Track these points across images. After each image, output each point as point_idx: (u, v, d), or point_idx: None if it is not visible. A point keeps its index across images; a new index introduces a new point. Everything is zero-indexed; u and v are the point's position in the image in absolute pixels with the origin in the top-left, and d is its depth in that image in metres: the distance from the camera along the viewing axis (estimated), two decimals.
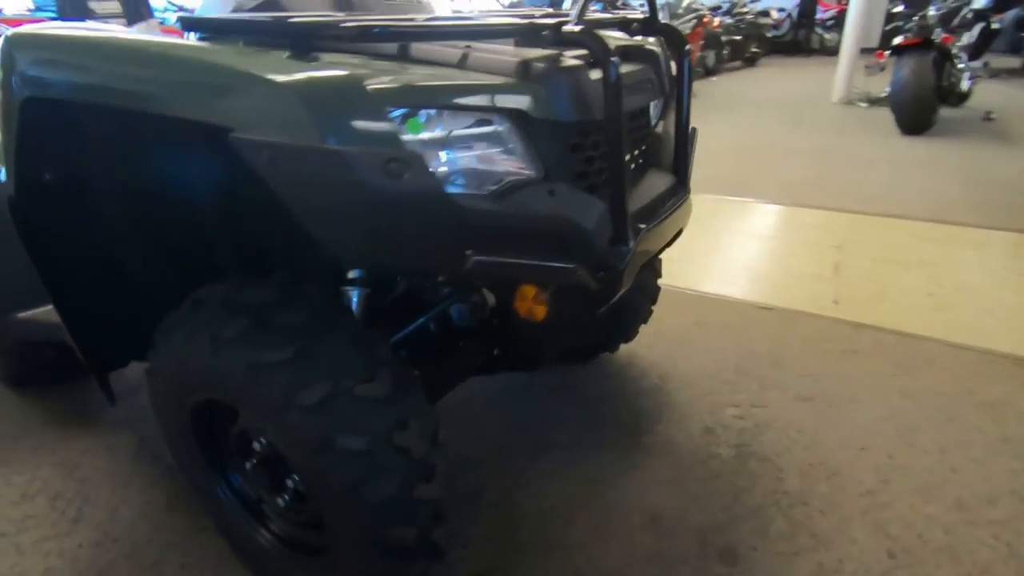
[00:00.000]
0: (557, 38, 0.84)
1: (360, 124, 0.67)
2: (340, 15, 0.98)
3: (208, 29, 0.75)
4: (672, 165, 1.18)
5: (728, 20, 9.52)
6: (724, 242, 2.98)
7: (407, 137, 0.73)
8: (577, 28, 0.83)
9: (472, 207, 0.77)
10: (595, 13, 1.17)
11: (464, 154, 0.80)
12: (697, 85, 8.05)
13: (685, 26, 6.86)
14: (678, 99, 1.13)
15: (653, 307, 1.90)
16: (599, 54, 0.84)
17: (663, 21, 1.11)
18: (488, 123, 0.83)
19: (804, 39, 11.35)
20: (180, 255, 1.15)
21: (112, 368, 1.31)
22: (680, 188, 1.17)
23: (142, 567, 1.31)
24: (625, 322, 1.82)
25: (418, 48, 0.90)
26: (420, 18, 0.95)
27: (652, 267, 1.78)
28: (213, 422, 1.12)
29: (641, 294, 1.77)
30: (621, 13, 1.16)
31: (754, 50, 10.38)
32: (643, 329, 2.06)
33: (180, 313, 0.99)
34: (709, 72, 9.03)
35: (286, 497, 1.07)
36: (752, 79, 9.05)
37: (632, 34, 1.12)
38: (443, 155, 0.77)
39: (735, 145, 4.97)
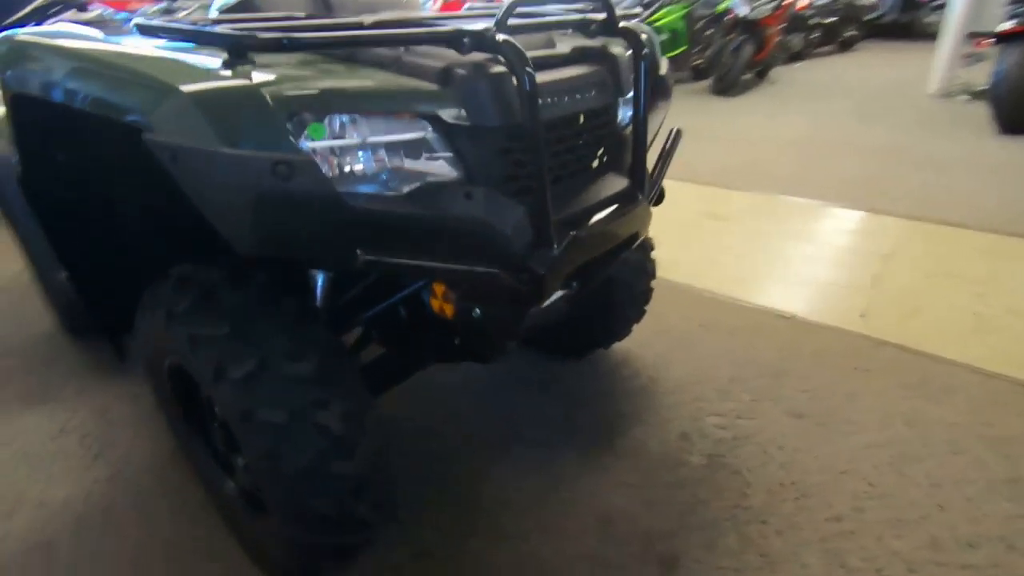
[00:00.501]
0: (477, 45, 0.86)
1: (253, 129, 0.73)
2: (297, 16, 1.04)
3: (160, 35, 0.83)
4: (630, 169, 1.16)
5: (820, 1, 8.82)
6: (759, 243, 2.85)
7: (311, 142, 0.78)
8: (499, 36, 0.84)
9: (369, 207, 0.81)
10: (558, 13, 1.16)
11: (379, 156, 0.85)
12: (778, 71, 7.58)
13: (764, 8, 6.45)
14: (635, 102, 1.10)
15: (646, 306, 1.87)
16: (512, 63, 0.85)
17: (631, 22, 1.09)
18: (408, 127, 0.87)
19: (910, 22, 10.33)
20: (168, 229, 1.28)
21: (124, 329, 1.47)
22: (634, 193, 1.15)
23: (140, 508, 1.49)
24: (614, 320, 1.81)
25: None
26: (369, 19, 0.99)
27: (642, 265, 1.75)
28: (192, 382, 1.24)
29: (631, 292, 1.74)
30: (579, 12, 1.15)
31: (850, 33, 9.57)
32: (645, 328, 2.04)
33: (154, 285, 1.11)
34: (794, 57, 8.45)
35: (240, 458, 1.18)
36: (842, 65, 8.37)
37: (591, 36, 1.11)
38: (349, 157, 0.82)
39: (802, 139, 4.67)
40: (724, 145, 4.66)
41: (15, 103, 0.97)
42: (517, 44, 0.85)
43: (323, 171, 0.77)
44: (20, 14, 1.63)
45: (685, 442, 1.62)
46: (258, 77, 0.75)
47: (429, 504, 1.45)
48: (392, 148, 0.87)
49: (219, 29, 0.76)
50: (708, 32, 7.33)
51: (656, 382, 1.87)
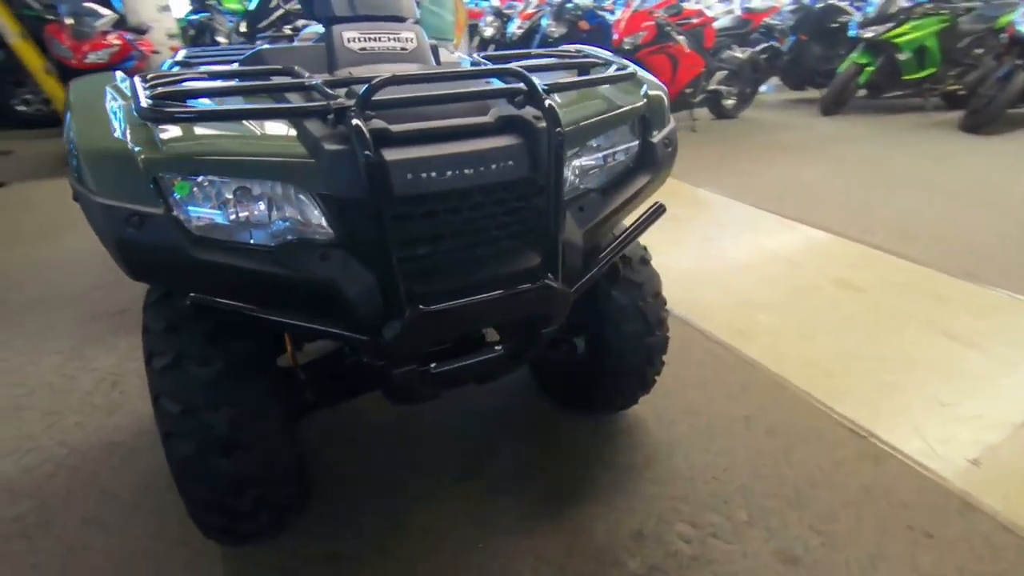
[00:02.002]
0: (337, 121, 0.90)
1: (120, 183, 0.88)
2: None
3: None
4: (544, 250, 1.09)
5: None
6: (887, 330, 2.31)
7: (179, 197, 0.92)
8: (353, 119, 0.88)
9: (213, 259, 0.92)
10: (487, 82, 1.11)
11: (238, 212, 0.96)
12: None
13: None
14: (548, 183, 1.03)
15: (655, 374, 1.68)
16: (354, 143, 0.88)
17: (548, 97, 1.01)
18: (274, 187, 0.96)
19: None
20: None
21: None
22: (540, 273, 1.08)
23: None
24: (605, 385, 1.67)
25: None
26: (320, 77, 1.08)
27: (647, 324, 1.56)
28: None
29: (624, 358, 1.58)
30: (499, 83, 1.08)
31: None
32: (675, 401, 1.86)
33: None
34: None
35: None
36: None
37: (518, 106, 1.06)
38: (211, 213, 0.94)
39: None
40: (940, 197, 3.79)
41: None
42: (364, 125, 0.88)
43: (176, 224, 0.90)
44: None
45: (635, 542, 1.46)
46: (146, 138, 0.91)
47: (356, 511, 1.55)
48: (256, 206, 0.97)
49: (143, 94, 0.94)
50: (976, 52, 5.93)
51: (650, 464, 1.69)
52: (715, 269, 2.88)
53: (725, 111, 6.07)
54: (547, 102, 1.00)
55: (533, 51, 1.61)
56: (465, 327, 1.10)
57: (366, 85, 0.93)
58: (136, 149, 0.89)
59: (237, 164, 0.93)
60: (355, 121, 0.88)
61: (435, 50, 1.47)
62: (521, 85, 1.02)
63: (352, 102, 0.92)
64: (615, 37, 5.17)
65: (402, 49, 1.36)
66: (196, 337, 1.16)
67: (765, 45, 6.30)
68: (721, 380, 2.05)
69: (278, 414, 1.23)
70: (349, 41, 1.33)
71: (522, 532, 1.49)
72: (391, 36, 1.36)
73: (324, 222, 0.99)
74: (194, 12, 6.45)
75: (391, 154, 0.95)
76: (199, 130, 0.96)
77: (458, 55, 1.62)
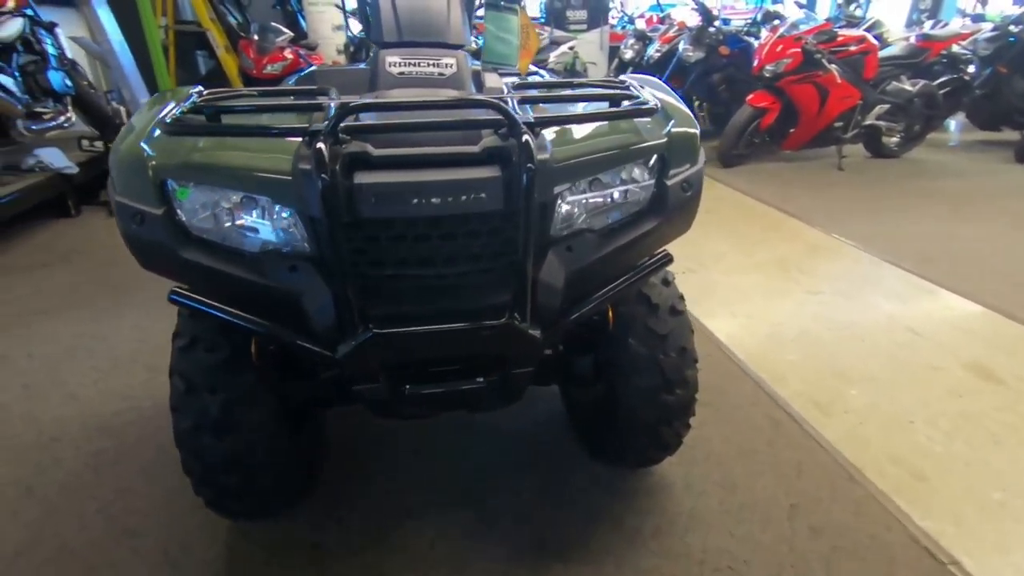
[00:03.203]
0: (309, 144, 0.94)
1: (131, 186, 1.00)
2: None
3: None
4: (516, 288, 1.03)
5: None
6: (1022, 440, 1.85)
7: (181, 200, 1.03)
8: (317, 142, 0.92)
9: (197, 260, 1.01)
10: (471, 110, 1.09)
11: (225, 219, 1.04)
12: None
13: None
14: (520, 219, 0.98)
15: (674, 435, 1.50)
16: (314, 166, 0.91)
17: (528, 131, 0.96)
18: (262, 199, 1.03)
19: None
20: None
21: None
22: (503, 312, 1.02)
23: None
24: (621, 440, 1.53)
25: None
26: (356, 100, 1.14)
27: (665, 381, 1.41)
28: None
29: (645, 411, 1.44)
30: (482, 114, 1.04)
31: None
32: (718, 473, 1.69)
33: None
34: None
35: None
36: None
37: (503, 137, 1.01)
38: (203, 217, 1.04)
39: None
40: None
41: None
42: (327, 149, 0.91)
43: (171, 224, 1.01)
44: None
45: None
46: (162, 146, 1.03)
47: (349, 511, 1.60)
48: (249, 212, 1.04)
49: (177, 109, 1.07)
50: None
51: (658, 535, 1.52)
52: (812, 328, 2.53)
53: (884, 149, 5.34)
54: (524, 136, 0.96)
55: (575, 80, 1.55)
56: (418, 355, 1.09)
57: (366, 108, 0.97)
58: (149, 155, 1.02)
59: (228, 175, 1.01)
60: (318, 144, 0.91)
61: (477, 76, 1.48)
62: (500, 117, 0.98)
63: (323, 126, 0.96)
64: (756, 63, 4.82)
65: (440, 75, 1.39)
66: (211, 325, 1.28)
67: (947, 78, 5.45)
68: (776, 456, 1.79)
69: (270, 407, 1.31)
70: (390, 65, 1.39)
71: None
72: (431, 62, 1.40)
73: (303, 237, 1.04)
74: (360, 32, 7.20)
75: (364, 177, 0.97)
76: (204, 143, 1.06)
77: (510, 80, 1.61)
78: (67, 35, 4.95)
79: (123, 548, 1.51)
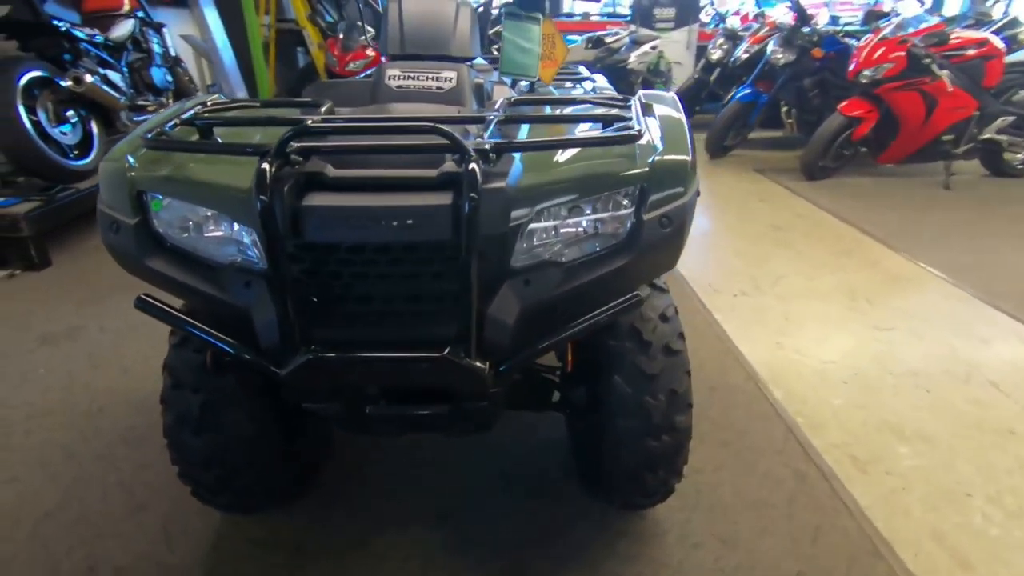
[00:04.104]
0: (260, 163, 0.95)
1: (112, 196, 1.06)
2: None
3: None
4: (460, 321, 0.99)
5: None
6: None
7: (155, 211, 1.08)
8: (262, 162, 0.92)
9: (157, 269, 1.06)
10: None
11: (201, 233, 1.07)
12: None
13: None
14: (464, 251, 0.93)
15: (661, 483, 1.40)
16: (255, 187, 0.91)
17: (477, 162, 0.91)
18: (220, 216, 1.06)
19: None
20: None
21: None
22: (444, 345, 0.98)
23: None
24: (604, 481, 1.44)
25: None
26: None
27: (650, 425, 1.30)
28: None
29: (628, 455, 1.35)
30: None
31: None
32: (721, 525, 1.58)
33: None
34: None
35: None
36: None
37: (458, 163, 0.96)
38: (176, 228, 1.08)
39: None
40: None
41: None
42: (267, 171, 0.91)
43: (141, 234, 1.06)
44: None
45: None
46: (142, 159, 1.09)
47: (335, 515, 1.62)
48: (210, 228, 1.07)
49: (168, 122, 1.12)
50: None
51: None
52: (869, 370, 2.27)
53: (1006, 167, 4.69)
54: (472, 164, 0.91)
55: (579, 97, 1.47)
56: (357, 380, 1.07)
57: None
58: (129, 167, 1.07)
59: (193, 190, 1.05)
60: (263, 165, 0.92)
61: (480, 89, 1.44)
62: (446, 142, 0.94)
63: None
64: (852, 67, 4.38)
65: (437, 88, 1.37)
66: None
67: None
68: (792, 514, 1.62)
69: (252, 410, 1.35)
70: (390, 78, 1.39)
71: None
72: (430, 75, 1.38)
73: (259, 255, 1.05)
74: None
75: (311, 199, 0.97)
76: (181, 157, 1.10)
77: (515, 94, 1.56)
78: (179, 33, 5.46)
79: (131, 521, 1.63)
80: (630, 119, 1.12)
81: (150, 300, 1.06)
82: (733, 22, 7.08)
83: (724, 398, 2.11)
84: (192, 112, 1.18)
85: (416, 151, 1.00)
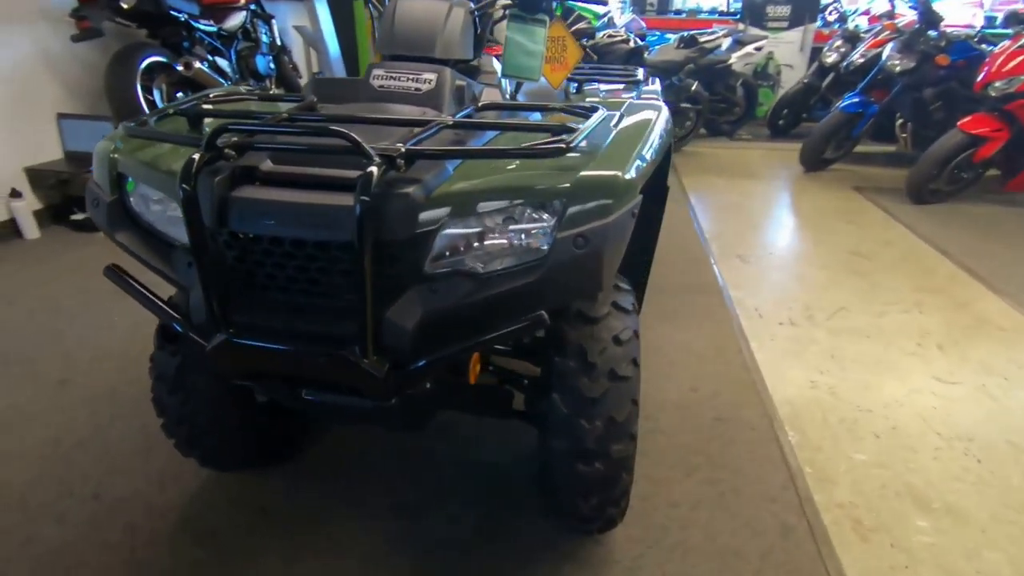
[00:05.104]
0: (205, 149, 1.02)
1: (98, 174, 1.19)
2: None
3: None
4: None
5: None
6: None
7: (130, 191, 1.20)
8: (195, 153, 0.99)
9: (123, 242, 1.17)
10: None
11: (162, 214, 1.18)
12: None
13: None
14: (358, 253, 0.95)
15: (596, 512, 1.33)
16: (181, 175, 0.98)
17: (377, 167, 0.92)
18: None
19: None
20: None
21: None
22: (342, 344, 1.00)
23: None
24: (557, 496, 1.39)
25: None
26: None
27: (583, 451, 1.24)
28: None
29: (561, 479, 1.30)
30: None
31: None
32: (678, 568, 1.47)
33: None
34: None
35: None
36: None
37: (362, 166, 0.97)
38: (141, 208, 1.19)
39: None
40: None
41: None
42: (198, 161, 0.97)
43: (115, 211, 1.19)
44: None
45: None
46: (125, 143, 1.21)
47: (306, 485, 1.71)
48: (171, 205, 1.17)
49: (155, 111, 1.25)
50: None
51: None
52: (911, 426, 1.99)
53: None
54: (371, 168, 0.93)
55: (549, 104, 1.42)
56: (263, 368, 1.12)
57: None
58: (114, 149, 1.21)
59: (149, 174, 1.16)
60: (194, 156, 0.99)
61: (461, 92, 1.44)
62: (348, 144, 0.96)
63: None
64: (980, 78, 3.81)
65: (416, 90, 1.39)
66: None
67: None
68: (760, 572, 1.47)
69: (211, 378, 1.46)
70: (374, 78, 1.42)
71: None
72: (411, 76, 1.40)
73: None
74: None
75: (242, 191, 1.03)
76: (157, 145, 1.22)
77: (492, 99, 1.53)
78: (292, 24, 5.93)
79: (138, 461, 1.83)
80: (575, 131, 1.07)
81: (117, 271, 1.19)
82: (859, 22, 6.40)
83: (728, 432, 1.95)
84: (192, 103, 1.30)
85: (322, 152, 1.04)
